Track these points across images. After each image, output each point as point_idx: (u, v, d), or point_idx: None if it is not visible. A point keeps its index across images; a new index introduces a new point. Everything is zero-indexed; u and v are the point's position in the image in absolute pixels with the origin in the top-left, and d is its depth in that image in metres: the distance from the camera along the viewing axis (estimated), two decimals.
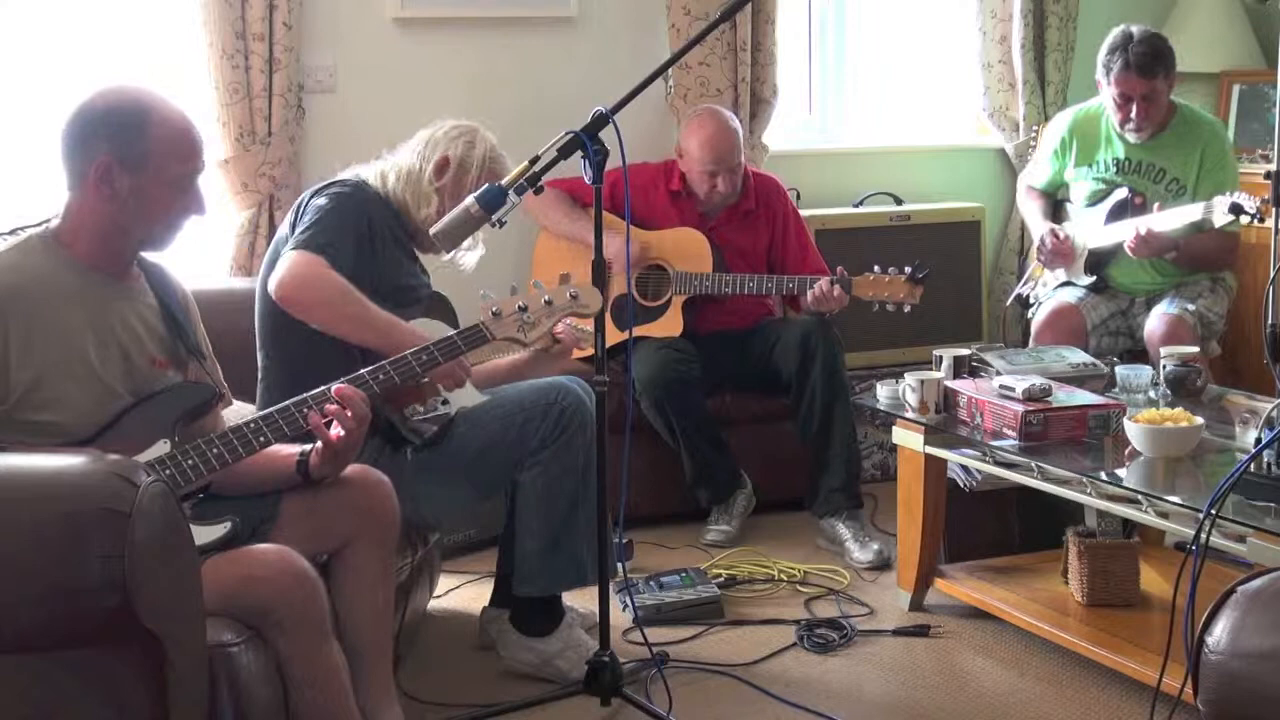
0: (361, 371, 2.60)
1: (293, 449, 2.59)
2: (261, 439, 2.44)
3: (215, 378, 2.62)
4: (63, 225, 2.39)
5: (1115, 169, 4.19)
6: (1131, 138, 4.13)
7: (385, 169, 3.15)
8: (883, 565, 3.84)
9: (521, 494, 3.09)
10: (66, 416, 2.31)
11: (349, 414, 2.51)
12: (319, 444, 2.55)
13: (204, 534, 2.33)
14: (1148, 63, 3.99)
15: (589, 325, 2.97)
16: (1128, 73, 4.01)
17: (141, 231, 2.40)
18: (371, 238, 3.02)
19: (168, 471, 2.33)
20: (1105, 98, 4.14)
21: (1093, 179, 4.24)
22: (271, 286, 2.91)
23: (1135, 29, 4.07)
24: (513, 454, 3.05)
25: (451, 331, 2.81)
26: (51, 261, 2.36)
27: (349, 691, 2.46)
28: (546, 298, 2.76)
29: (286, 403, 2.51)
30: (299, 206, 3.05)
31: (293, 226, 3.02)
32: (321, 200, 3.01)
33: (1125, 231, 4.06)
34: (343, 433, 2.52)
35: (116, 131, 2.34)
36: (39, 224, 2.43)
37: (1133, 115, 4.06)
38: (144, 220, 2.38)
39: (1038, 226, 4.35)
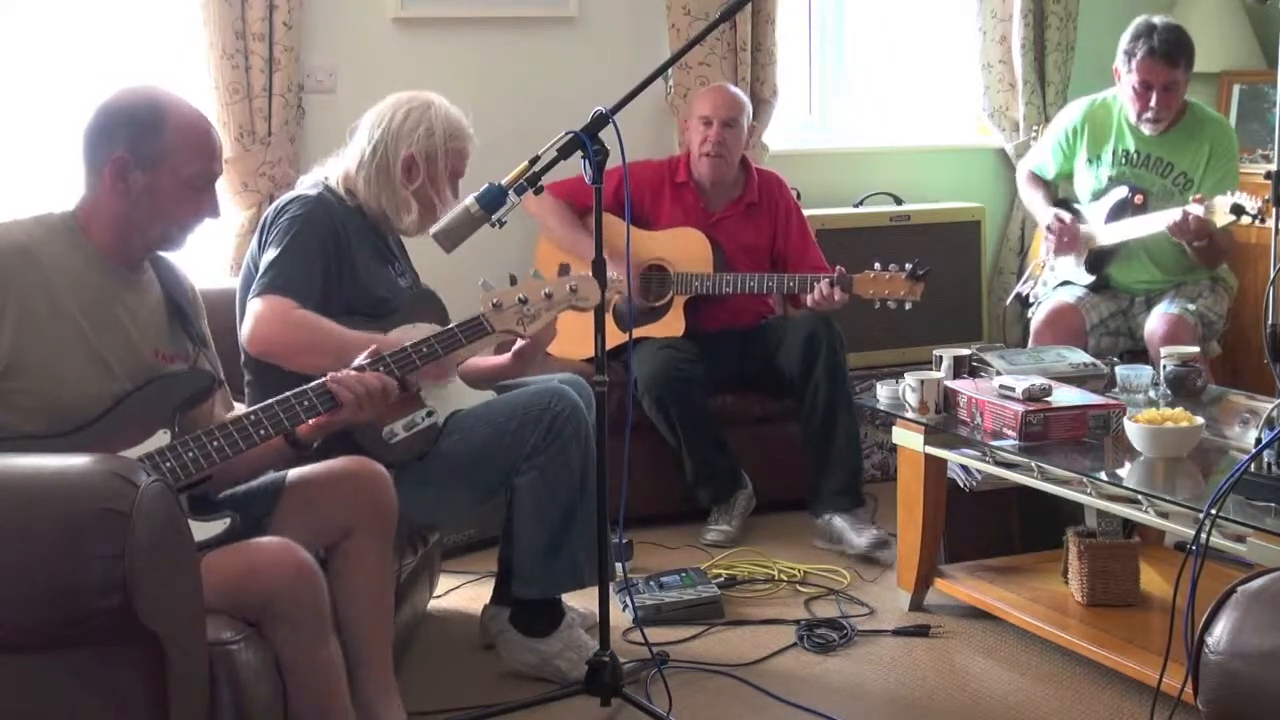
0: (360, 361, 2.59)
1: None
2: (262, 432, 2.44)
3: (216, 366, 2.62)
4: (78, 214, 2.40)
5: (1125, 161, 4.19)
6: (1147, 129, 4.11)
7: (351, 170, 3.10)
8: (880, 547, 3.85)
9: (518, 498, 3.09)
10: (58, 389, 2.29)
11: (354, 394, 2.52)
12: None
13: (202, 530, 2.33)
14: (1172, 51, 3.99)
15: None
16: (1152, 59, 4.00)
17: (154, 230, 2.41)
18: (339, 255, 2.99)
19: (168, 464, 2.33)
20: (1124, 87, 4.13)
21: (1102, 170, 4.22)
22: (243, 340, 2.90)
23: (1159, 19, 4.07)
24: (507, 459, 3.04)
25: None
26: (66, 240, 2.36)
27: (346, 688, 2.46)
28: (546, 290, 2.75)
29: (287, 394, 2.50)
30: (265, 224, 3.03)
31: (260, 244, 3.01)
32: (279, 232, 2.97)
33: (1136, 228, 4.06)
34: (340, 413, 2.53)
35: (133, 129, 2.35)
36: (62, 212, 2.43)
37: (1152, 104, 4.05)
38: (157, 219, 2.39)
39: (1043, 212, 4.34)
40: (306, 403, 2.50)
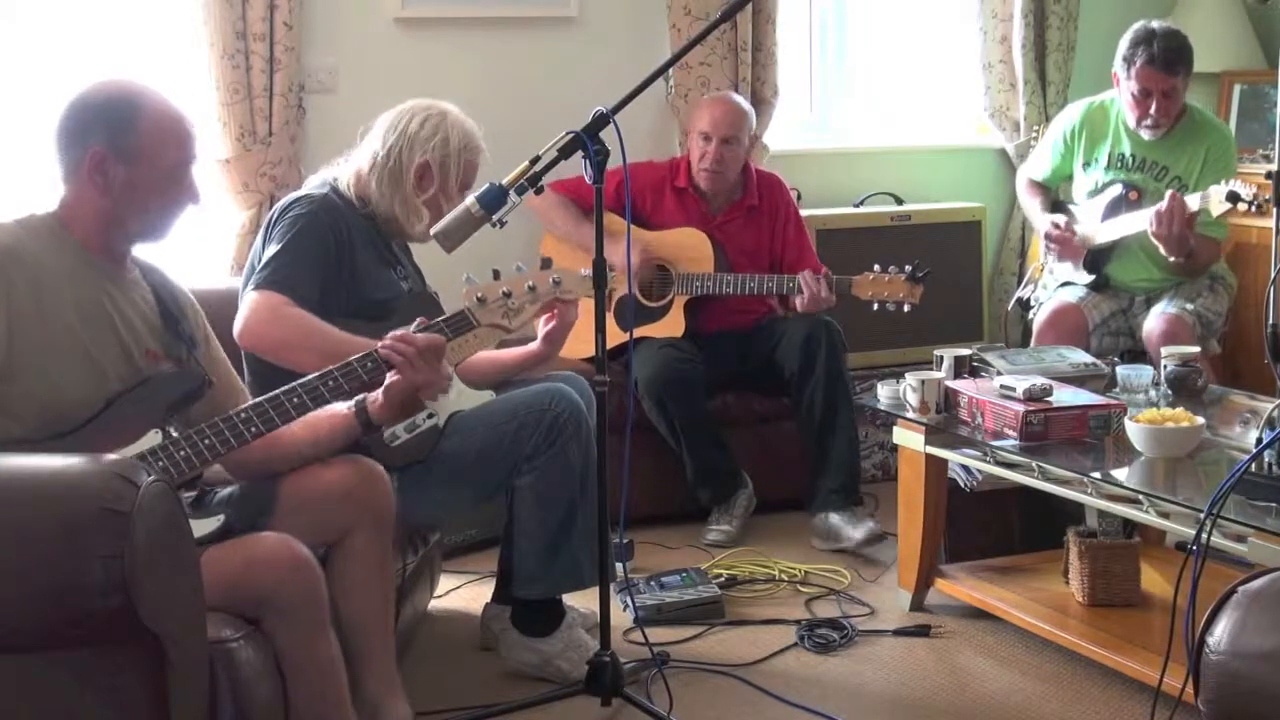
0: (350, 359, 2.58)
1: (337, 408, 2.59)
2: (253, 429, 2.44)
3: (221, 368, 2.62)
4: (61, 212, 2.40)
5: (1120, 165, 4.18)
6: (1146, 134, 4.10)
7: (363, 172, 3.10)
8: (876, 539, 3.86)
9: (519, 498, 3.09)
10: (52, 392, 2.29)
11: (404, 355, 2.54)
12: (378, 392, 2.57)
13: (197, 528, 2.32)
14: (1172, 59, 3.97)
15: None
16: (1151, 68, 3.98)
17: (137, 222, 2.41)
18: (340, 255, 2.99)
19: (160, 463, 2.33)
20: (1122, 92, 4.12)
21: (1097, 172, 4.22)
22: (235, 331, 2.90)
23: (1157, 24, 4.06)
24: (507, 460, 3.04)
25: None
26: (51, 239, 2.36)
27: (345, 683, 2.46)
28: (530, 283, 2.75)
29: (276, 392, 2.50)
30: (269, 221, 3.04)
31: (264, 241, 3.01)
32: (282, 229, 2.97)
33: (1124, 226, 4.06)
34: (399, 377, 2.55)
35: (109, 123, 2.35)
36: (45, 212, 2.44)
37: (1151, 111, 4.03)
38: (139, 210, 2.39)
39: (1040, 221, 4.34)
40: (296, 397, 2.49)
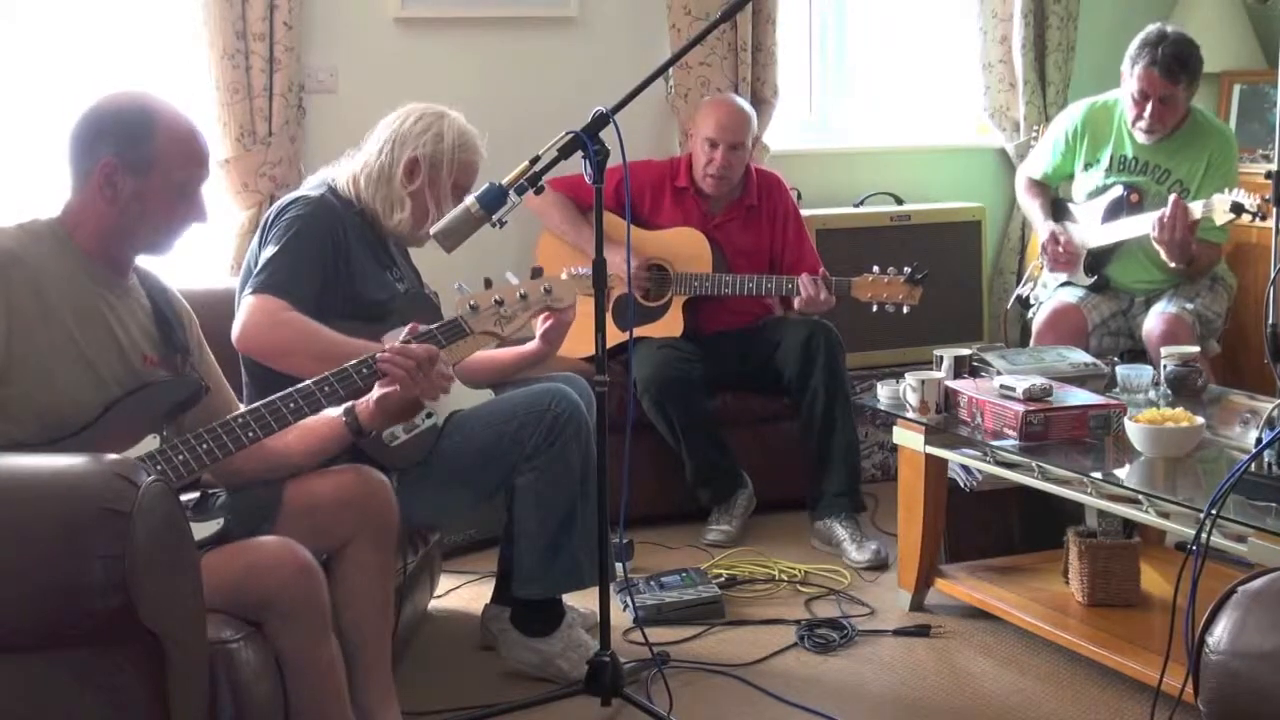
0: (346, 366, 2.58)
1: (328, 413, 2.59)
2: (250, 434, 2.44)
3: (212, 374, 2.62)
4: (65, 219, 2.40)
5: (1122, 167, 4.18)
6: (1140, 136, 4.10)
7: (356, 172, 3.10)
8: (880, 565, 3.84)
9: (518, 498, 3.09)
10: (50, 395, 2.29)
11: (403, 369, 2.54)
12: (369, 398, 2.57)
13: (196, 530, 2.33)
14: (1173, 66, 3.96)
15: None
16: (1151, 70, 3.98)
17: (142, 235, 2.41)
18: (337, 257, 2.98)
19: (159, 467, 2.32)
20: (1124, 91, 4.12)
21: (1098, 174, 4.22)
22: (233, 335, 2.89)
23: (1170, 29, 4.05)
24: (507, 460, 3.04)
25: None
26: (54, 245, 2.36)
27: (345, 689, 2.46)
28: (521, 292, 2.75)
29: (272, 397, 2.50)
30: (266, 222, 3.03)
31: (260, 242, 3.01)
32: (279, 231, 2.97)
33: (1125, 229, 4.06)
34: (396, 388, 2.54)
35: (122, 134, 2.35)
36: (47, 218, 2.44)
37: (1146, 114, 4.04)
38: (145, 224, 2.39)
39: (1041, 226, 4.34)
40: (292, 403, 2.50)
